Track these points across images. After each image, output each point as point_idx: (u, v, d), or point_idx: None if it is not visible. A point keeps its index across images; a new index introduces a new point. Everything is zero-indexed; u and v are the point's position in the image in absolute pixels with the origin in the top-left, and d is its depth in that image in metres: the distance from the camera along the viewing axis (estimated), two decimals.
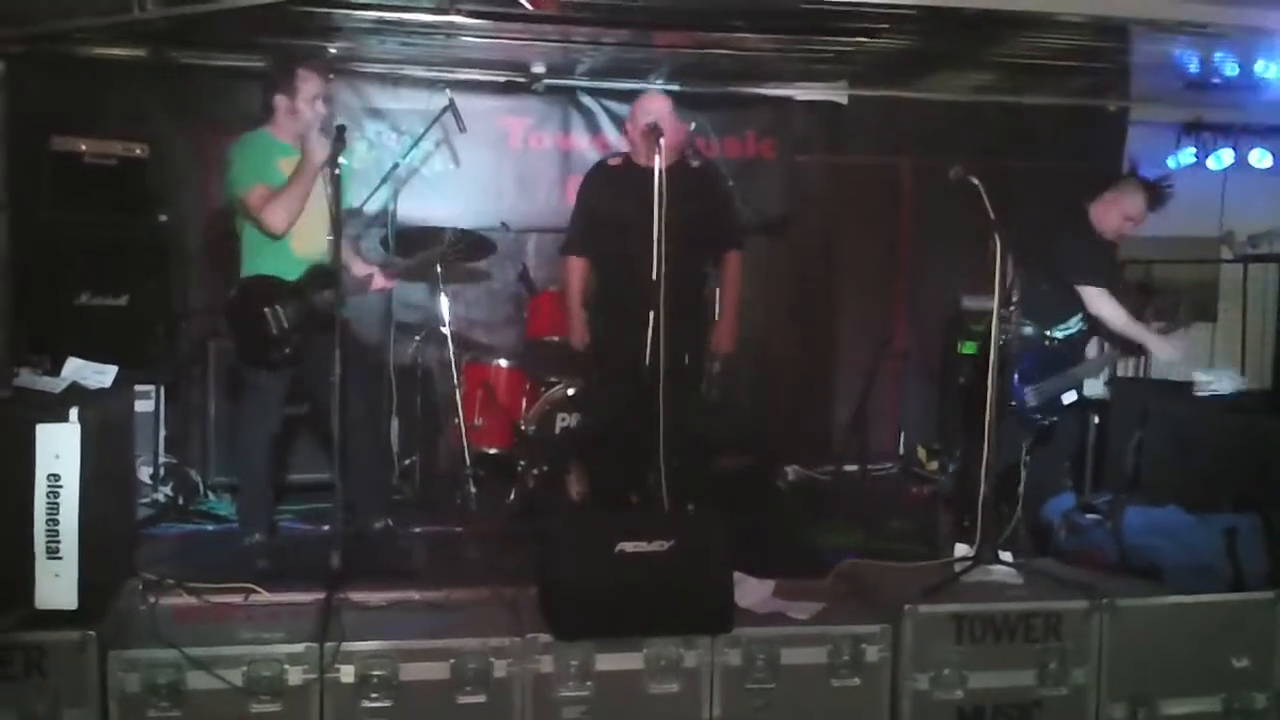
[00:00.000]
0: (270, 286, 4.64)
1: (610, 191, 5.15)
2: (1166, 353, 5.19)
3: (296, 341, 4.64)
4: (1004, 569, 4.30)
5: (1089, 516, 5.07)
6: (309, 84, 4.69)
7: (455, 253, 5.43)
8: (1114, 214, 5.19)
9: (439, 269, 5.69)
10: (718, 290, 5.33)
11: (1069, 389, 5.20)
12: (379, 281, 4.93)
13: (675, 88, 6.76)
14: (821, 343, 7.22)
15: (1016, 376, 5.17)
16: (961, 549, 4.47)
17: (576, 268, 5.26)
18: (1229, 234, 7.54)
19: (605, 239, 5.12)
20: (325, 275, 4.55)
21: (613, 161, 5.35)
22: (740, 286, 5.30)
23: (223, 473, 5.80)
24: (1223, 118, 7.35)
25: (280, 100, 4.70)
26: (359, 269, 4.90)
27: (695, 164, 5.33)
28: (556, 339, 5.83)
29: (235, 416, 5.20)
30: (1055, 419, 5.24)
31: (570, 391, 5.77)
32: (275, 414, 4.82)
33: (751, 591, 4.10)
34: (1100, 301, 5.15)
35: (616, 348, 5.05)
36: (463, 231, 5.51)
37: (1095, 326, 5.21)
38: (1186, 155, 7.44)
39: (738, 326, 5.31)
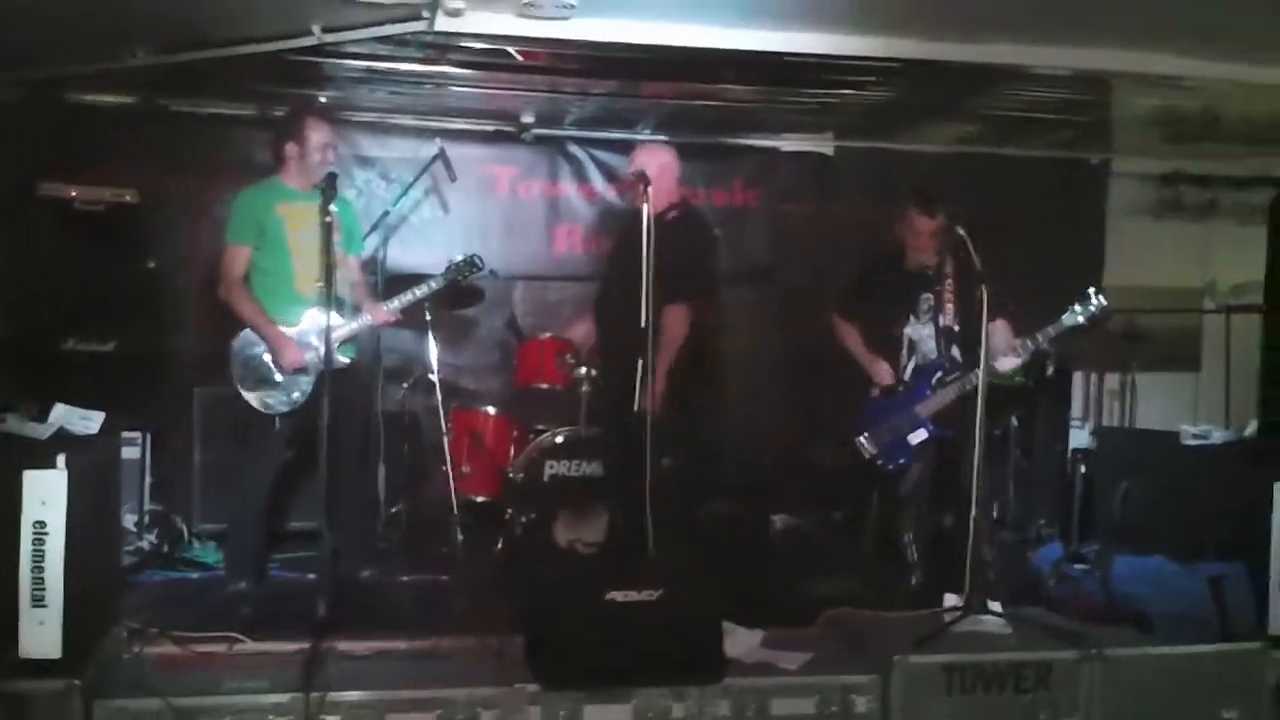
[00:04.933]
0: None
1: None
2: (882, 377, 5.29)
3: (304, 387, 4.68)
4: (993, 619, 4.30)
5: (1077, 566, 5.08)
6: (318, 132, 4.78)
7: (464, 278, 5.35)
8: (909, 242, 5.24)
9: (428, 315, 5.68)
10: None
11: (913, 429, 5.18)
12: (382, 316, 5.01)
13: (662, 138, 6.84)
14: (809, 390, 7.23)
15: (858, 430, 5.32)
16: (951, 599, 4.47)
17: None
18: (1211, 284, 7.61)
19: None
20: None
21: None
22: (678, 344, 4.93)
23: (208, 520, 5.76)
24: (1204, 169, 7.43)
25: (290, 149, 4.78)
26: (369, 309, 4.96)
27: (672, 215, 5.07)
28: (544, 386, 5.84)
29: (233, 463, 5.18)
30: (903, 460, 5.23)
31: (559, 439, 5.76)
32: (276, 463, 4.84)
33: (740, 641, 4.09)
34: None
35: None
36: (470, 255, 5.38)
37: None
38: (1169, 206, 7.50)
39: (668, 387, 4.87)
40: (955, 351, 5.19)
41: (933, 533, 5.27)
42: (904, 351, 5.29)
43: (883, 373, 5.27)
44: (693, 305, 5.00)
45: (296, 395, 4.75)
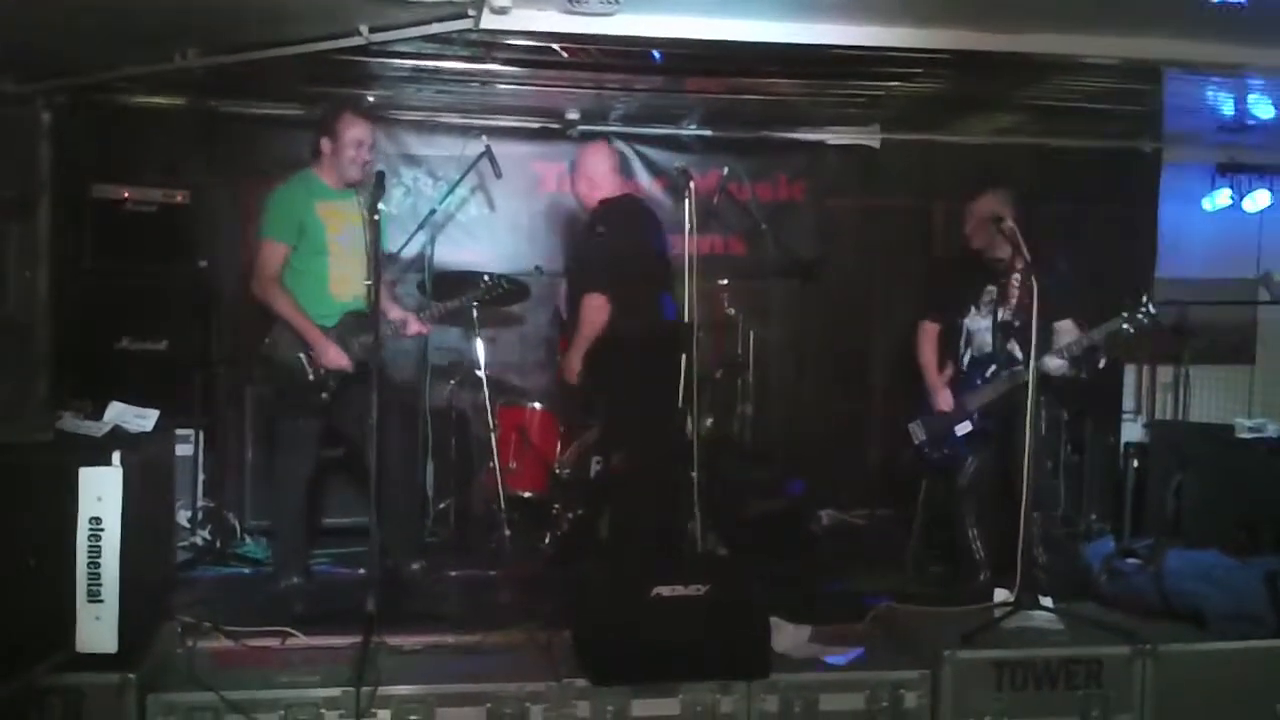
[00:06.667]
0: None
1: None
2: (940, 404, 5.20)
3: (331, 387, 4.71)
4: (1044, 614, 4.26)
5: (1129, 561, 5.02)
6: (353, 128, 4.78)
7: (491, 297, 5.46)
8: (975, 227, 5.12)
9: (474, 313, 5.71)
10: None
11: (960, 421, 5.15)
12: (414, 326, 5.01)
13: (707, 133, 6.83)
14: (855, 385, 7.20)
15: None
16: (1001, 594, 4.43)
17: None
18: (1266, 275, 7.48)
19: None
20: (362, 320, 4.61)
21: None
22: (596, 331, 5.14)
23: (260, 516, 5.82)
24: (1258, 159, 7.32)
25: (325, 143, 4.79)
26: (395, 314, 4.98)
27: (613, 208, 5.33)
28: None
29: (271, 460, 5.24)
30: (948, 451, 5.20)
31: None
32: (310, 458, 4.86)
33: (788, 636, 4.08)
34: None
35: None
36: (497, 276, 5.52)
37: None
38: (1222, 197, 7.39)
39: (578, 362, 5.21)
40: (1012, 346, 5.09)
41: (995, 528, 5.18)
42: (961, 342, 5.23)
43: (943, 401, 5.20)
44: (610, 295, 5.13)
45: (324, 395, 4.76)
